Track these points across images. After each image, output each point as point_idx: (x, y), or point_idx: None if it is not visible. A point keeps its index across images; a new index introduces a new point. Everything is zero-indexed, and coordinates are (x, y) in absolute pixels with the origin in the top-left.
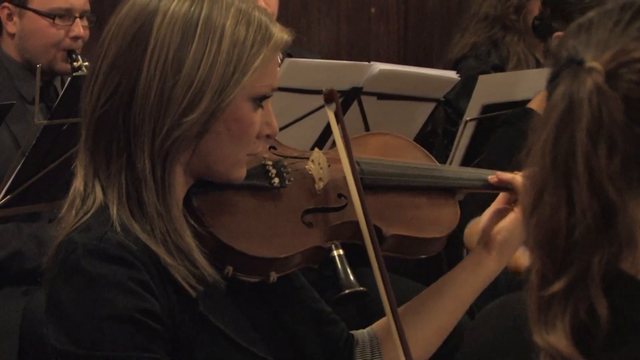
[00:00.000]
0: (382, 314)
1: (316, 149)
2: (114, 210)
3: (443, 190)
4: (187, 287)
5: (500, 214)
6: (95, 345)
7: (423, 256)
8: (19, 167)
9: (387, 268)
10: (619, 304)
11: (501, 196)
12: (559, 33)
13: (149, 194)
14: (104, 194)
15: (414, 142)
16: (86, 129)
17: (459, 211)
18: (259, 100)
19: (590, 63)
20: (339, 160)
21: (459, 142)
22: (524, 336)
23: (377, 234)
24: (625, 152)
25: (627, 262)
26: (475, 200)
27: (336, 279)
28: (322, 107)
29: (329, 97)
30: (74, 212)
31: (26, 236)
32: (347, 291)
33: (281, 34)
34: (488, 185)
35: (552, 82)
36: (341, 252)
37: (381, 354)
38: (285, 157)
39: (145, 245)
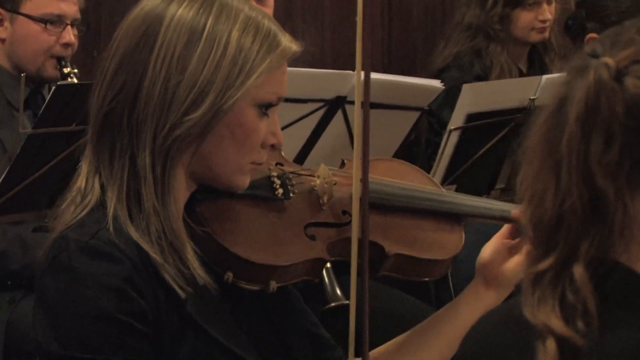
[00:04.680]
0: (374, 330)
1: (322, 165)
2: (110, 208)
3: (448, 215)
4: (175, 287)
5: (503, 250)
6: (77, 344)
7: (426, 279)
8: (3, 175)
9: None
10: (611, 293)
11: (505, 228)
12: (593, 34)
13: (148, 190)
14: (103, 191)
15: (420, 169)
16: (92, 126)
17: (463, 236)
18: (264, 108)
19: (604, 58)
20: (345, 178)
21: (443, 151)
22: (521, 336)
23: (380, 253)
24: (622, 145)
25: (623, 256)
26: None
27: (322, 292)
28: (305, 116)
29: None
30: (72, 207)
31: (10, 237)
32: (332, 304)
33: (290, 43)
34: (493, 216)
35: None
36: (328, 265)
37: None
38: (291, 172)
39: (136, 244)
